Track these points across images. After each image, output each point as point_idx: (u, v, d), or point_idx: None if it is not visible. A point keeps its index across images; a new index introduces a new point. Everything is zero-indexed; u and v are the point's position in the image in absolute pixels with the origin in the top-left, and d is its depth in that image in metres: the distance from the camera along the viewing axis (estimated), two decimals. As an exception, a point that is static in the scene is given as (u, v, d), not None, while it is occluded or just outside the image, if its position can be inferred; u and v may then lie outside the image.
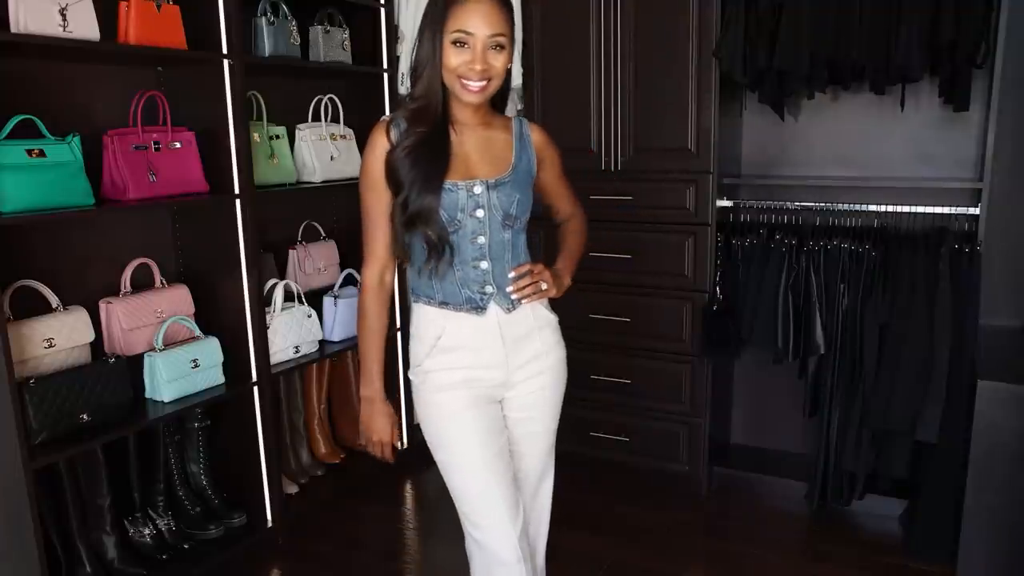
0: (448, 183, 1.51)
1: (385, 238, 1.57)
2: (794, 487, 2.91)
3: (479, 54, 1.46)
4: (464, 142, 1.57)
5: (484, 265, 1.56)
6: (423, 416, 1.64)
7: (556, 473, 1.82)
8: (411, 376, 1.66)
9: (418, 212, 1.50)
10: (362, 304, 1.62)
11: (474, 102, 1.53)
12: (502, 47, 1.48)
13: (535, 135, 1.68)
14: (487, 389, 1.62)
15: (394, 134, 1.53)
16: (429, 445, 1.64)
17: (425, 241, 1.52)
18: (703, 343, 2.87)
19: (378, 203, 1.55)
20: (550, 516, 1.83)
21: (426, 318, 1.61)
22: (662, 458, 3.05)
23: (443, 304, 1.58)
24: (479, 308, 1.57)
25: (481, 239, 1.55)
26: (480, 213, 1.54)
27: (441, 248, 1.52)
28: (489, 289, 1.57)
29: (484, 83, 1.49)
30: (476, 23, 1.45)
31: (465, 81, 1.48)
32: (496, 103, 1.64)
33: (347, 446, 3.28)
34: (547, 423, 1.74)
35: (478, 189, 1.54)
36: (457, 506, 1.65)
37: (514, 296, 1.60)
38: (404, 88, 3.14)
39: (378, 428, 1.66)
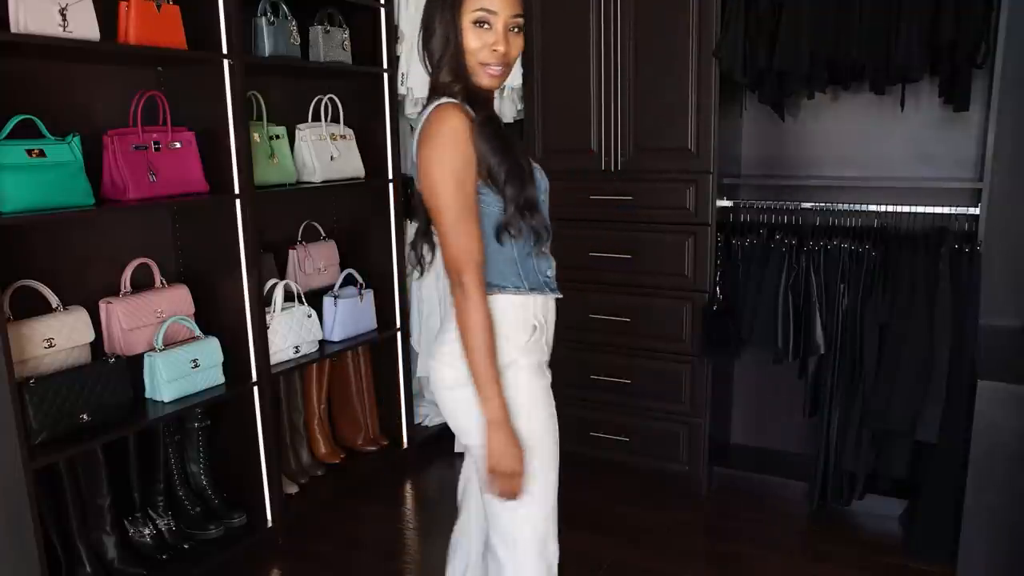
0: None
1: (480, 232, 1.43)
2: (794, 487, 2.92)
3: (501, 35, 1.40)
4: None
5: (546, 249, 1.56)
6: (531, 414, 1.49)
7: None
8: (510, 373, 1.48)
9: (531, 197, 1.44)
10: (482, 317, 1.40)
11: (493, 87, 1.47)
12: (520, 29, 1.44)
13: None
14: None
15: (473, 113, 1.41)
16: (533, 443, 1.48)
17: (532, 229, 1.46)
18: (703, 343, 2.87)
19: (474, 191, 1.40)
20: None
21: (523, 306, 1.51)
22: (662, 458, 3.05)
23: (533, 289, 1.52)
24: (554, 290, 1.57)
25: (547, 222, 1.53)
26: (545, 197, 1.54)
27: (547, 232, 1.49)
28: (550, 272, 1.57)
29: (503, 67, 1.44)
30: (498, 1, 1.39)
31: (486, 65, 1.42)
32: None
33: (347, 446, 3.28)
34: None
35: (539, 174, 1.53)
36: (532, 517, 1.51)
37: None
38: (404, 88, 3.15)
39: (516, 456, 1.43)
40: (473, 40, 1.41)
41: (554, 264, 1.58)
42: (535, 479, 1.50)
